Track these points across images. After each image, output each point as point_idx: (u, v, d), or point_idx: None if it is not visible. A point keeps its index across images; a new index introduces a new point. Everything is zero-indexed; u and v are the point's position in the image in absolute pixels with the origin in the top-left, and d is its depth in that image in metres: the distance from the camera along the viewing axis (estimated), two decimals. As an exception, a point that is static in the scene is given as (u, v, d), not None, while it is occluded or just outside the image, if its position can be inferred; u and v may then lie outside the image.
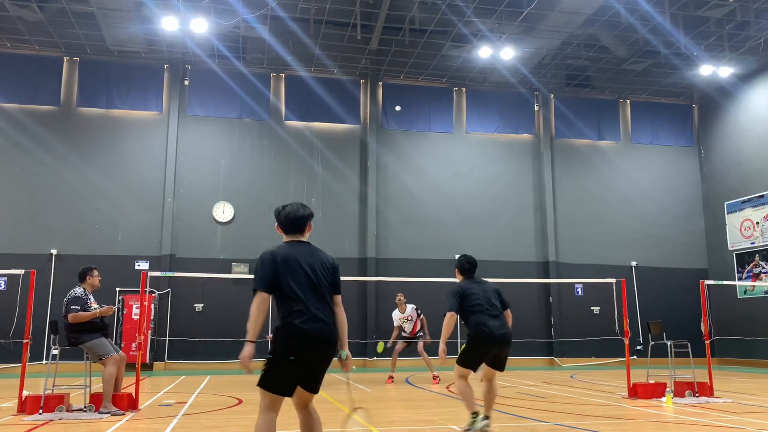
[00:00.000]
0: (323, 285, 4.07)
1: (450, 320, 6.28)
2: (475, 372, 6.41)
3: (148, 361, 16.88)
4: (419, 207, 19.82)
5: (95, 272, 8.53)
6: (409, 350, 14.41)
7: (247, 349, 3.92)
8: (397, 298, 13.92)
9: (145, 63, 18.87)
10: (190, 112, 18.98)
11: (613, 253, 20.54)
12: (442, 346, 6.37)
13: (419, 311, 13.96)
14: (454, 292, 6.51)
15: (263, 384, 3.90)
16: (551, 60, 19.68)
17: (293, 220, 4.22)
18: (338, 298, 4.18)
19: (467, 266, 6.98)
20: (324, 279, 4.08)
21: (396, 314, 13.91)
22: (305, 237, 4.27)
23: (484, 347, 6.25)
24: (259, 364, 3.86)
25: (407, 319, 13.78)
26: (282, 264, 4.01)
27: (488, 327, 6.20)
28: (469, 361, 6.36)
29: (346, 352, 4.15)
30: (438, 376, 13.28)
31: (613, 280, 11.59)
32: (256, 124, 19.32)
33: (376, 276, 18.41)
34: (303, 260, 4.05)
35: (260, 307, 4.05)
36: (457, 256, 6.88)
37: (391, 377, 13.59)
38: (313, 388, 4.06)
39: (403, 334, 13.91)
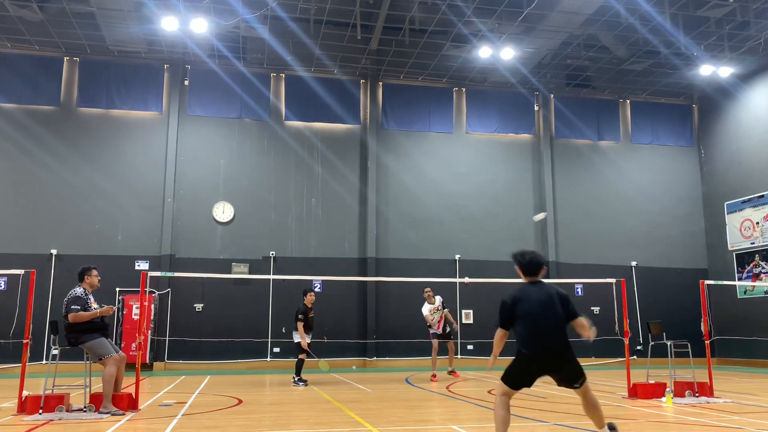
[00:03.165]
0: (551, 314, 5.18)
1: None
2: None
3: (148, 361, 16.88)
4: (419, 207, 19.82)
5: (94, 272, 8.52)
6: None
7: (491, 360, 5.44)
8: (426, 293, 14.17)
9: (145, 63, 18.87)
10: (190, 112, 18.98)
11: (613, 253, 20.54)
12: None
13: (444, 304, 14.17)
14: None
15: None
16: (551, 60, 19.68)
17: (533, 266, 5.39)
18: (575, 321, 5.31)
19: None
20: (552, 308, 5.20)
21: (426, 308, 14.04)
22: (539, 277, 5.41)
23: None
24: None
25: (437, 309, 13.95)
26: (515, 303, 5.24)
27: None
28: None
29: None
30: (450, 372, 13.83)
31: (613, 280, 11.58)
32: (256, 124, 19.32)
33: (376, 276, 18.42)
34: (534, 297, 5.24)
35: (499, 339, 5.34)
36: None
37: (453, 372, 14.10)
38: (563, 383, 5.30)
39: (432, 330, 14.01)
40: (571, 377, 5.19)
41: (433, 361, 13.95)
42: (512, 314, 5.23)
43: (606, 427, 5.28)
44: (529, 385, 5.21)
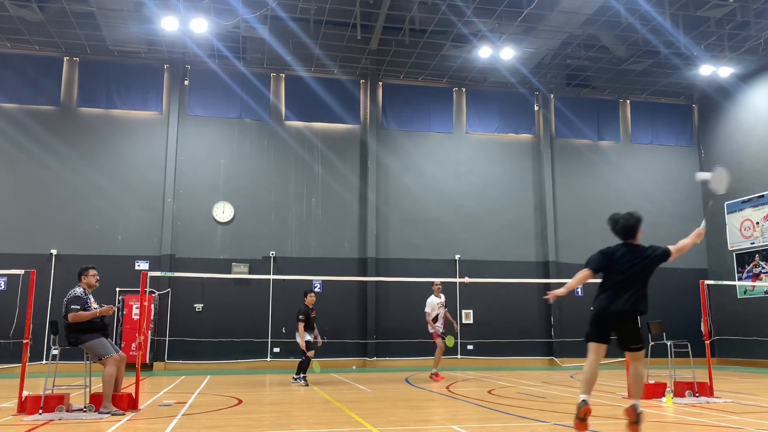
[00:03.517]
0: (634, 276, 5.65)
1: None
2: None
3: (148, 361, 16.88)
4: (419, 207, 19.82)
5: (91, 272, 8.50)
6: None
7: (560, 290, 5.90)
8: (436, 285, 13.95)
9: (145, 63, 18.87)
10: (190, 112, 18.98)
11: (613, 253, 20.46)
12: None
13: (446, 304, 14.07)
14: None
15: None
16: (551, 60, 19.68)
17: (626, 231, 5.81)
18: (673, 251, 5.85)
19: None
20: (637, 271, 5.66)
21: (433, 300, 13.82)
22: (637, 240, 5.83)
23: None
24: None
25: (442, 305, 13.81)
26: (608, 256, 5.74)
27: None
28: None
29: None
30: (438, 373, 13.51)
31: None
32: (256, 124, 19.32)
33: (376, 276, 18.42)
34: (624, 258, 5.69)
35: (581, 276, 5.83)
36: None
37: (436, 374, 13.64)
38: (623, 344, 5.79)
39: (433, 330, 13.79)
40: (630, 340, 5.71)
41: (436, 361, 13.81)
42: (603, 263, 5.75)
43: (636, 404, 5.52)
44: (606, 338, 5.69)
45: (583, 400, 5.50)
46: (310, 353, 12.50)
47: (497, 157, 20.77)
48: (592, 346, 5.71)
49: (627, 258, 5.70)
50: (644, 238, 20.33)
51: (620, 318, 5.65)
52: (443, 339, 13.74)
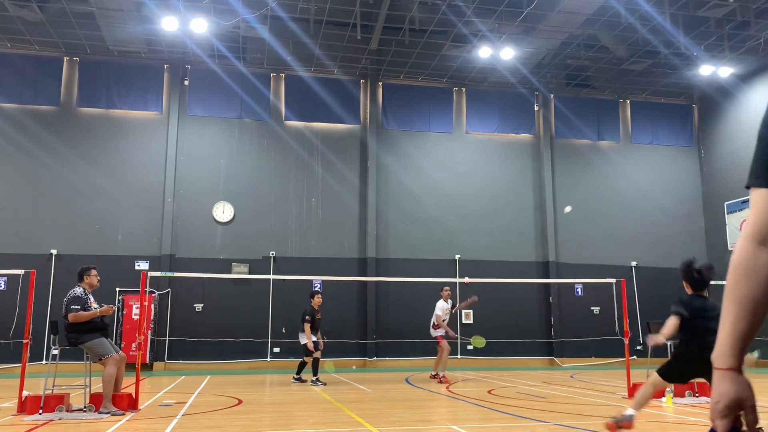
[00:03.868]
0: (714, 324, 5.68)
1: None
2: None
3: (148, 361, 16.87)
4: (419, 207, 19.82)
5: (93, 272, 8.51)
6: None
7: (660, 338, 6.19)
8: (446, 291, 13.81)
9: (145, 63, 18.86)
10: (190, 112, 18.98)
11: (613, 253, 20.53)
12: None
13: (452, 310, 14.02)
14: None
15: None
16: (551, 60, 19.68)
17: (705, 284, 6.18)
18: None
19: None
20: (716, 320, 5.79)
21: (443, 305, 13.66)
22: (705, 292, 6.22)
23: None
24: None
25: (448, 311, 13.76)
26: (693, 309, 6.06)
27: None
28: None
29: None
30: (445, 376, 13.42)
31: (613, 280, 11.58)
32: (256, 124, 19.32)
33: (376, 276, 18.41)
34: (704, 307, 6.06)
35: (674, 324, 6.03)
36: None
37: (444, 376, 13.45)
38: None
39: (439, 332, 13.70)
40: None
41: (444, 363, 13.69)
42: (686, 313, 6.06)
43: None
44: (681, 381, 6.26)
45: (632, 415, 5.96)
46: (317, 354, 12.53)
47: (497, 157, 20.76)
48: (661, 382, 6.16)
49: (705, 307, 6.13)
50: (644, 238, 20.29)
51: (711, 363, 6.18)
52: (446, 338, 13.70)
